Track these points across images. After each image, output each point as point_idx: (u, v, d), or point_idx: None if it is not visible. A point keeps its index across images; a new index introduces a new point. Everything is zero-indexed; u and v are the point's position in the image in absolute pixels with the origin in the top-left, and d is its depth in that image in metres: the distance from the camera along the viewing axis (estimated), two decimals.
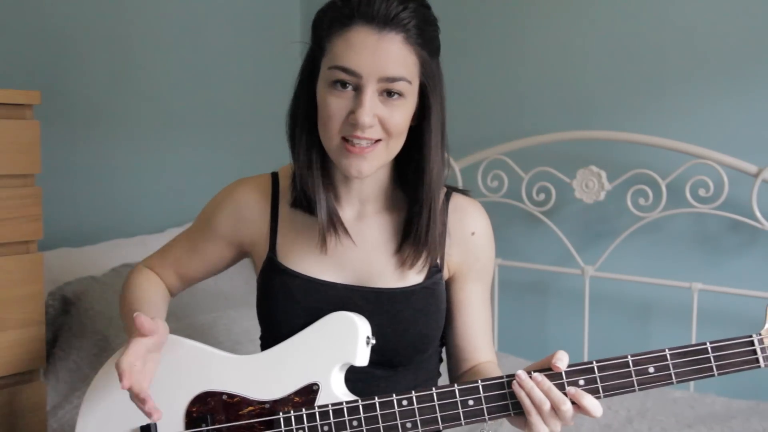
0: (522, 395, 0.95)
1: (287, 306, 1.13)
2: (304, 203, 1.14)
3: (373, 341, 1.07)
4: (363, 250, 1.15)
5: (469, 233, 1.17)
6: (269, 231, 1.18)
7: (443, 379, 1.26)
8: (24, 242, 1.44)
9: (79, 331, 1.80)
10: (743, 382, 1.96)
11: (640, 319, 2.13)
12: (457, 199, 1.18)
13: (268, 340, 1.21)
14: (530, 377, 0.96)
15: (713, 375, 0.93)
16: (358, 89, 1.02)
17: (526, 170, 2.22)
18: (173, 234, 2.27)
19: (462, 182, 2.34)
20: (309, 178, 1.11)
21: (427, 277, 1.14)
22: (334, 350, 1.05)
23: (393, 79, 1.01)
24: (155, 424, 1.08)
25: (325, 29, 1.05)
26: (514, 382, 0.96)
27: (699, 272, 2.00)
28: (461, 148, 2.35)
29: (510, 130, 2.32)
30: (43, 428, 1.48)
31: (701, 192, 1.93)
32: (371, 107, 1.01)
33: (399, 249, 1.13)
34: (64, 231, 2.06)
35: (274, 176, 1.21)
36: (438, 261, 1.15)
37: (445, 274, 1.17)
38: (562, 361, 0.96)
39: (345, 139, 1.04)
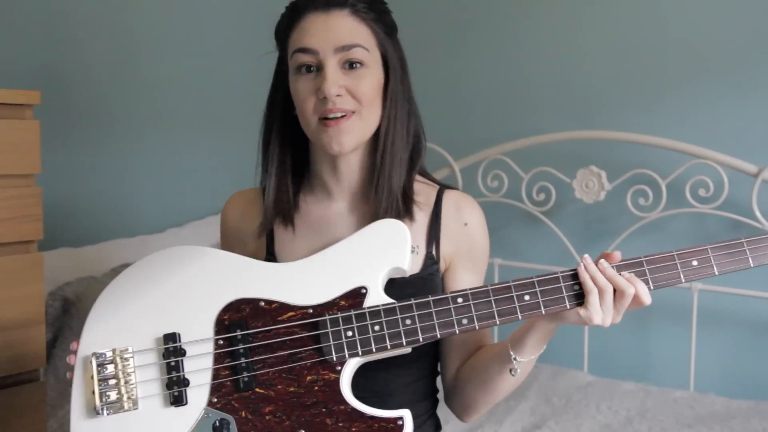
0: (586, 277, 1.00)
1: None
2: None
3: (417, 250, 1.09)
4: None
5: (462, 224, 1.18)
6: (265, 240, 1.18)
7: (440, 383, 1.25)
8: (24, 242, 1.44)
9: (79, 331, 1.79)
10: (743, 382, 1.96)
11: (640, 319, 2.13)
12: (450, 194, 1.20)
13: None
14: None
15: (750, 267, 1.00)
16: (320, 67, 1.07)
17: (526, 170, 2.22)
18: (173, 234, 2.27)
19: (462, 182, 2.34)
20: (271, 168, 1.15)
21: (423, 268, 1.14)
22: (383, 254, 1.04)
23: (348, 47, 1.07)
24: (179, 333, 1.01)
25: (283, 32, 1.13)
26: (580, 265, 1.01)
27: None
28: (461, 148, 2.35)
29: (510, 130, 2.32)
30: (43, 428, 1.49)
31: (701, 192, 1.93)
32: (334, 78, 1.06)
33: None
34: (64, 231, 2.06)
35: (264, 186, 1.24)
36: (433, 252, 1.15)
37: (442, 266, 1.18)
38: (617, 253, 1.03)
39: (321, 120, 1.08)
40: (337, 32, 1.07)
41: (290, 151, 1.18)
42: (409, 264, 1.06)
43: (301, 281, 1.04)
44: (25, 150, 1.42)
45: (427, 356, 1.20)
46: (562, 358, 2.25)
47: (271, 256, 1.17)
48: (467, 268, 1.19)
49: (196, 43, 2.41)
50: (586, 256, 1.02)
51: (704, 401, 1.82)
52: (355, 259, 1.04)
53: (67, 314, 1.83)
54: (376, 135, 1.13)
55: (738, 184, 1.90)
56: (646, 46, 2.08)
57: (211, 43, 2.45)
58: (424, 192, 1.17)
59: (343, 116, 1.07)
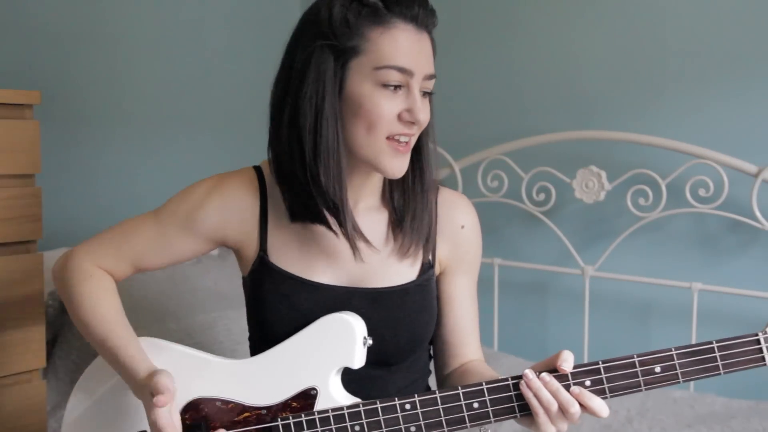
0: (529, 396, 0.95)
1: (281, 308, 1.11)
2: (312, 215, 1.08)
3: (370, 341, 1.05)
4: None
5: (458, 227, 1.17)
6: (259, 229, 1.14)
7: (433, 378, 1.25)
8: (24, 242, 1.44)
9: (79, 331, 1.79)
10: (743, 382, 1.96)
11: (640, 319, 2.13)
12: (444, 194, 1.18)
13: (258, 342, 1.18)
14: (537, 377, 0.95)
15: (719, 374, 0.92)
16: (406, 87, 1.03)
17: (526, 170, 2.22)
18: None
19: (462, 182, 2.34)
20: (338, 187, 1.05)
21: (420, 274, 1.14)
22: (330, 354, 1.04)
23: (432, 77, 1.05)
24: None
25: (357, 27, 1.00)
26: (522, 382, 0.95)
27: (699, 272, 2.00)
28: (461, 148, 2.35)
29: (510, 130, 2.32)
30: (43, 428, 1.48)
31: (701, 192, 1.93)
32: (423, 105, 1.04)
33: (396, 244, 1.13)
34: (64, 231, 2.06)
35: (258, 171, 1.17)
36: (430, 257, 1.15)
37: (437, 270, 1.17)
38: (567, 362, 0.95)
39: (389, 138, 1.03)
40: (428, 59, 1.05)
41: None
42: (361, 360, 1.04)
43: (255, 379, 1.06)
44: (25, 150, 1.42)
45: (419, 360, 1.19)
46: None
47: (263, 253, 1.13)
48: (463, 271, 1.18)
49: (197, 43, 2.41)
50: (527, 371, 0.95)
51: (704, 401, 1.82)
52: (305, 359, 1.05)
53: (67, 314, 1.83)
54: None
55: (738, 184, 1.90)
56: (646, 46, 2.08)
57: (212, 44, 2.45)
58: None
59: (407, 142, 1.05)
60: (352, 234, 1.07)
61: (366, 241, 1.09)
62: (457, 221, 1.17)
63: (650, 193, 2.00)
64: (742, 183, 1.90)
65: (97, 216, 2.18)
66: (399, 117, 1.02)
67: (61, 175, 2.06)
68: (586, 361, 2.14)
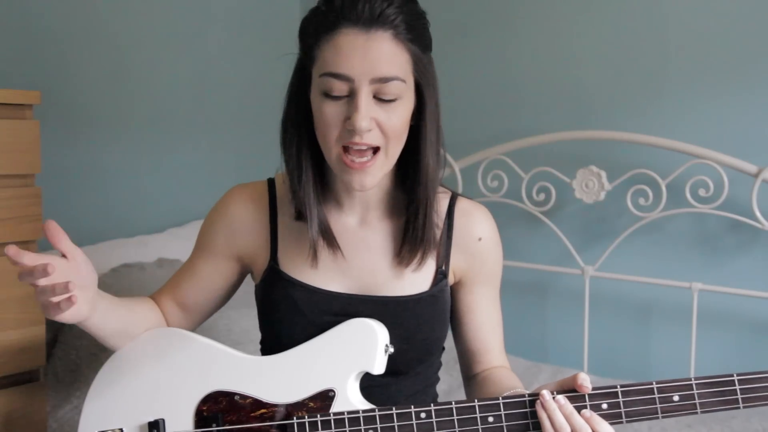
0: (543, 417, 0.94)
1: (291, 316, 1.11)
2: (302, 214, 1.11)
3: (392, 349, 1.06)
4: (367, 257, 1.13)
5: (475, 239, 1.15)
6: (269, 240, 1.15)
7: (440, 385, 1.25)
8: (24, 242, 1.44)
9: (79, 331, 1.79)
10: None
11: (640, 319, 2.13)
12: (462, 204, 1.17)
13: (270, 347, 1.19)
14: (553, 398, 0.95)
15: (738, 407, 0.91)
16: (352, 94, 0.99)
17: (526, 170, 2.22)
18: (173, 234, 2.27)
19: (462, 182, 2.34)
20: (299, 189, 1.09)
21: (434, 284, 1.13)
22: (352, 357, 1.04)
23: (386, 80, 0.98)
24: (163, 420, 1.08)
25: (311, 36, 1.02)
26: (537, 402, 0.95)
27: (699, 272, 2.00)
28: (461, 148, 2.35)
29: (510, 130, 2.32)
30: (43, 428, 1.49)
31: (701, 192, 1.93)
32: (367, 110, 0.98)
33: (399, 252, 1.12)
34: (64, 231, 2.05)
35: (270, 182, 1.19)
36: (443, 267, 1.14)
37: (451, 279, 1.16)
38: (587, 381, 0.95)
39: (344, 149, 1.01)
40: (377, 61, 0.97)
41: (328, 172, 1.12)
42: (381, 367, 1.05)
43: (275, 377, 1.07)
44: (25, 150, 1.42)
45: (428, 369, 1.19)
46: (562, 357, 2.25)
47: (274, 263, 1.14)
48: (482, 281, 1.17)
49: (196, 44, 2.41)
50: (544, 392, 0.95)
51: None
52: (326, 360, 1.06)
53: None
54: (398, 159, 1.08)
55: (738, 184, 1.90)
56: (646, 46, 2.08)
57: (212, 44, 2.45)
58: (437, 201, 1.13)
59: (367, 159, 1.01)
60: (316, 238, 1.09)
61: (332, 246, 1.10)
62: (474, 233, 1.15)
63: (650, 193, 2.00)
64: (742, 183, 1.90)
65: (98, 216, 2.18)
66: (344, 125, 1.00)
67: (61, 175, 2.06)
68: (586, 362, 2.15)
